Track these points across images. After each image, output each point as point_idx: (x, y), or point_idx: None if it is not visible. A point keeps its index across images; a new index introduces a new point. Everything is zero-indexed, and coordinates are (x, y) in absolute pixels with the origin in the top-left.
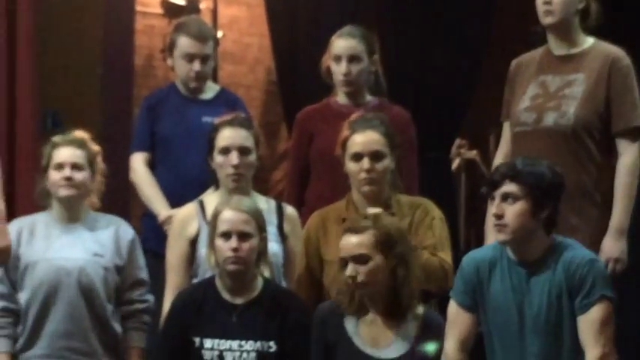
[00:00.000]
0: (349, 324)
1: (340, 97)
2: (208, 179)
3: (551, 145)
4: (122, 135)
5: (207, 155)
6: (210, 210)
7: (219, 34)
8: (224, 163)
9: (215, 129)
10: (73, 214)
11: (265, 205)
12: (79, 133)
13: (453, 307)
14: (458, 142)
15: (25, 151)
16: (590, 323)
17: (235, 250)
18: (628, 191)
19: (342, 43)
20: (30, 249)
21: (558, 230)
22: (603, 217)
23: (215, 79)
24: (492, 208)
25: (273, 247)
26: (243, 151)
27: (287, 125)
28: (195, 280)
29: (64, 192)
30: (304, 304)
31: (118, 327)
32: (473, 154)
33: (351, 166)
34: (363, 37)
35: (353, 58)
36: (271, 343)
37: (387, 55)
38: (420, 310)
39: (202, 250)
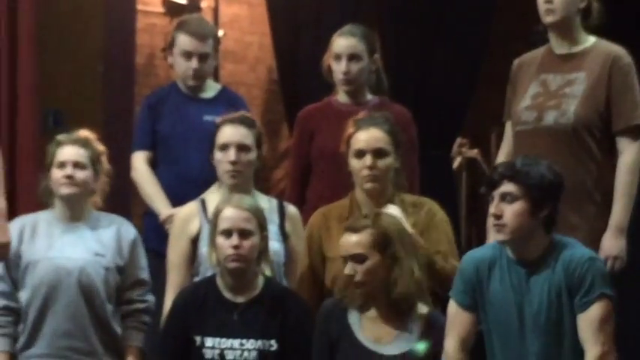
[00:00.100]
0: (352, 318)
1: (341, 96)
2: (210, 178)
3: (551, 144)
4: (123, 134)
5: (210, 154)
6: (211, 209)
7: (220, 32)
8: (222, 160)
9: (217, 127)
10: (75, 213)
11: (267, 204)
12: (84, 133)
13: (452, 307)
14: (459, 140)
15: (27, 149)
16: (589, 322)
17: (236, 247)
18: (628, 190)
19: (343, 41)
20: (31, 247)
21: (558, 229)
22: (603, 216)
23: (216, 78)
24: (491, 208)
25: (275, 245)
26: (241, 148)
27: (288, 124)
28: (196, 279)
29: (65, 190)
30: (305, 302)
31: (118, 327)
32: (474, 152)
33: (354, 162)
34: (364, 36)
35: (353, 57)
36: (272, 342)
37: (388, 54)
38: (424, 309)
39: (203, 248)
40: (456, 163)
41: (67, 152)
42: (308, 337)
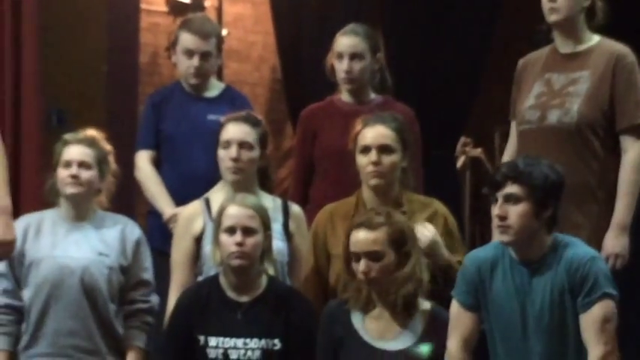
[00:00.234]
0: (356, 319)
1: (344, 95)
2: (213, 177)
3: (555, 143)
4: (127, 133)
5: (215, 152)
6: (215, 208)
7: (224, 31)
8: (224, 156)
9: (222, 125)
10: (80, 212)
11: (271, 203)
12: (91, 132)
13: (455, 307)
14: (463, 140)
15: (30, 148)
16: (592, 321)
17: (240, 244)
18: (631, 188)
19: (345, 40)
20: (36, 246)
21: (562, 228)
22: (607, 215)
23: (220, 77)
24: (495, 209)
25: (279, 245)
26: (243, 145)
27: (292, 123)
28: (200, 278)
29: (70, 189)
30: (309, 302)
31: (120, 327)
32: (478, 152)
33: (360, 159)
34: (367, 35)
35: (355, 56)
36: (276, 341)
37: (391, 54)
38: (427, 305)
39: (207, 247)
40: (459, 163)
41: (73, 152)
42: (312, 337)
